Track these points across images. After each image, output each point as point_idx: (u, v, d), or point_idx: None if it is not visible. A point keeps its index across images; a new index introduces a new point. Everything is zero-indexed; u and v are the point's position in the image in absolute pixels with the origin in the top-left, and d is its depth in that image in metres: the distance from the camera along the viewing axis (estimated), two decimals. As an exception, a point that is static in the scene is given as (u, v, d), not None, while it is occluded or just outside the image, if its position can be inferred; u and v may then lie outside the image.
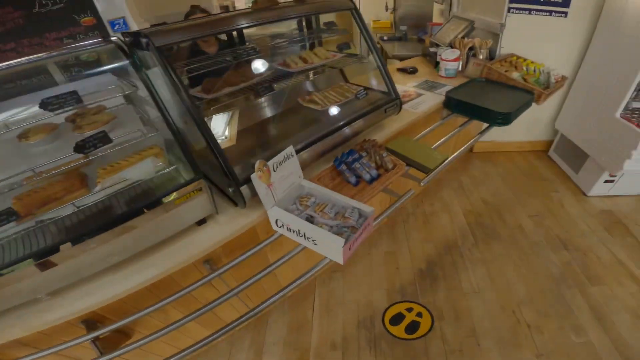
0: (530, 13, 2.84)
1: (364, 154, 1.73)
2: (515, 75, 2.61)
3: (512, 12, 2.85)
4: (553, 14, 2.83)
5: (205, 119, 1.37)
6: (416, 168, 1.78)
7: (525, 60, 2.90)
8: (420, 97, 2.57)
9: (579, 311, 2.17)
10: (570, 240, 2.67)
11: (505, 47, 3.03)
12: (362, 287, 2.42)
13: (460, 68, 3.06)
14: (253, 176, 1.20)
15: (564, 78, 2.73)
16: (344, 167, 1.65)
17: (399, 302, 2.30)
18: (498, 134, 3.65)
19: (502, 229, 2.83)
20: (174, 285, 1.38)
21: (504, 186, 3.31)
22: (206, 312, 1.15)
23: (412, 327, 2.15)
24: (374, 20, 8.23)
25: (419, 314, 2.22)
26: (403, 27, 4.90)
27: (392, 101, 2.02)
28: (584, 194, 3.09)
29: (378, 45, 3.78)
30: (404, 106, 2.39)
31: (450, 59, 2.90)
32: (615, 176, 2.85)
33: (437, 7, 4.61)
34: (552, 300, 2.25)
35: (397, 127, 2.17)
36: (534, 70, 2.74)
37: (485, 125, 2.22)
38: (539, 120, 3.53)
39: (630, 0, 2.45)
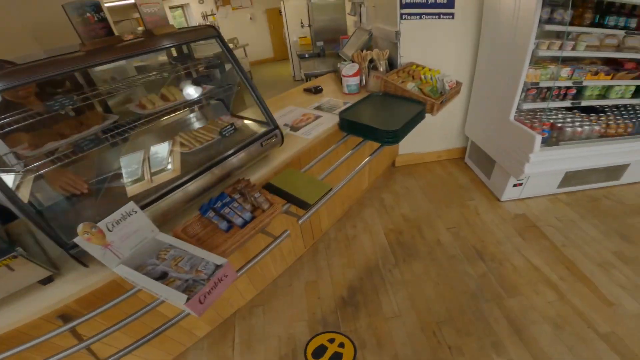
0: (421, 18, 2.81)
1: (236, 196, 1.54)
2: (410, 86, 2.53)
3: (405, 19, 2.81)
4: (441, 16, 2.82)
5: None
6: (296, 204, 1.59)
7: (423, 68, 2.86)
8: (317, 119, 2.41)
9: (498, 326, 2.07)
10: (486, 249, 2.61)
11: (405, 55, 2.98)
12: (283, 320, 2.28)
13: (364, 82, 2.97)
14: (79, 239, 1.14)
15: (458, 84, 2.71)
16: (211, 213, 1.47)
17: (321, 334, 2.16)
18: (416, 146, 3.63)
19: (421, 245, 2.73)
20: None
21: (424, 199, 3.25)
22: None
23: (335, 359, 2.01)
24: (300, 38, 8.21)
25: (341, 344, 2.08)
26: (320, 43, 4.83)
27: (270, 132, 1.82)
28: (498, 200, 3.10)
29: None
30: (298, 132, 2.22)
31: (350, 74, 2.80)
32: (522, 179, 2.86)
33: (350, 20, 4.59)
34: (472, 316, 2.15)
35: (285, 158, 1.97)
36: (431, 78, 2.70)
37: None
38: (452, 128, 3.55)
39: (503, 2, 2.48)
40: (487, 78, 2.93)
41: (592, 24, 2.37)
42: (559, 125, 2.62)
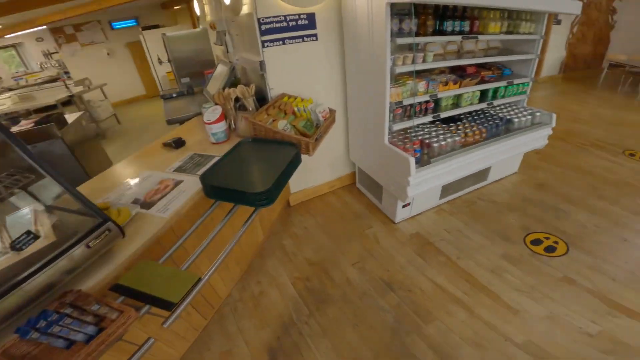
0: (284, 43, 2.63)
1: (68, 310, 1.13)
2: (281, 124, 2.29)
3: (268, 46, 2.59)
4: (305, 39, 2.68)
5: None
6: (157, 306, 1.21)
7: (295, 99, 2.67)
8: (178, 186, 1.98)
9: (426, 358, 1.97)
10: (393, 279, 2.52)
11: (275, 87, 2.76)
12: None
13: (234, 126, 2.64)
14: None
15: (332, 112, 2.59)
16: (35, 334, 1.08)
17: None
18: (307, 181, 3.45)
19: (331, 288, 2.52)
20: None
21: (325, 237, 3.06)
22: None
23: None
24: (168, 72, 7.51)
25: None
26: (185, 80, 4.34)
27: (98, 228, 1.36)
28: (393, 222, 3.08)
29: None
30: (152, 210, 1.76)
31: (212, 120, 2.43)
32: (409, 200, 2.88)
33: (218, 50, 4.20)
34: (398, 353, 2.01)
35: (136, 248, 1.51)
36: (304, 110, 2.52)
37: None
38: (338, 156, 3.46)
39: (358, 17, 2.42)
40: (358, 101, 2.90)
41: (435, 32, 2.48)
42: (427, 141, 2.69)
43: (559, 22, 6.91)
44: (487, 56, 2.81)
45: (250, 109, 2.63)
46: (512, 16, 2.84)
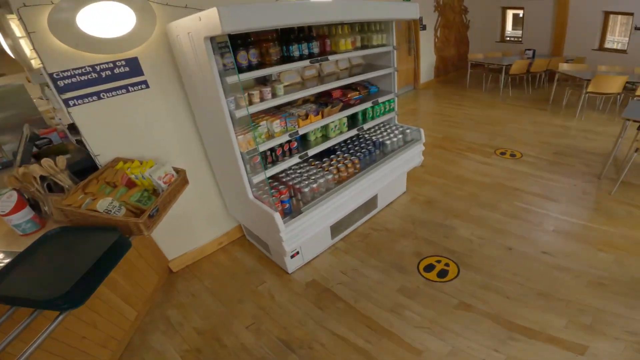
0: (100, 97, 2.10)
1: None
2: (102, 204, 1.76)
3: (75, 104, 2.04)
4: (131, 88, 2.19)
5: None
6: None
7: (132, 162, 2.16)
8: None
9: None
10: (292, 337, 2.21)
11: (103, 152, 2.20)
12: None
13: (49, 210, 2.01)
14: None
15: (181, 172, 2.14)
16: None
17: None
18: (188, 243, 2.93)
19: (226, 357, 2.14)
20: None
21: (215, 302, 2.61)
22: None
23: None
24: None
25: None
26: (11, 146, 3.43)
27: None
28: (287, 272, 2.74)
29: None
30: None
31: (6, 212, 1.79)
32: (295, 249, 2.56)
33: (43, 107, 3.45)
34: None
35: None
36: (143, 177, 2.03)
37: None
38: (218, 211, 3.01)
39: (187, 57, 2.05)
40: (215, 153, 2.51)
41: (283, 59, 2.23)
42: (297, 186, 2.41)
43: (424, 28, 7.39)
44: (350, 76, 2.65)
45: (67, 186, 2.05)
46: (363, 29, 2.74)
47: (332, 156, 2.75)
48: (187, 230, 2.87)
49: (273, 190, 2.35)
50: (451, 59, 8.67)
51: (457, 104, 6.53)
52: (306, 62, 2.22)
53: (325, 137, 2.64)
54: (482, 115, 5.73)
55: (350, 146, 2.94)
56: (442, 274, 2.53)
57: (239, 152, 2.08)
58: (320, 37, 2.46)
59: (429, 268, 2.60)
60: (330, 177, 2.51)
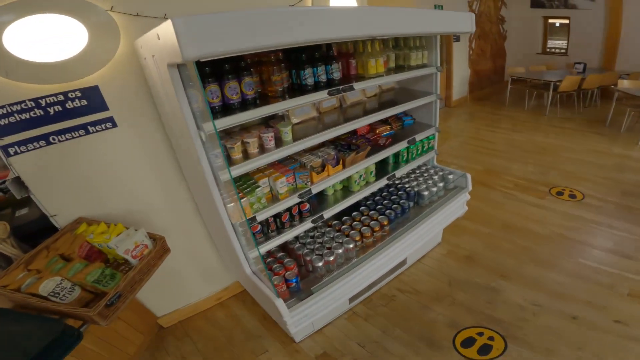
0: (49, 142, 1.58)
1: None
2: (46, 286, 1.30)
3: (18, 153, 1.54)
4: (92, 129, 1.66)
5: None
6: None
7: (98, 224, 1.65)
8: None
9: None
10: None
11: (62, 212, 1.71)
12: None
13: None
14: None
15: (158, 241, 1.61)
16: None
17: None
18: (178, 300, 2.44)
19: None
20: None
21: None
22: None
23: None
24: None
25: None
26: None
27: None
28: (294, 341, 2.21)
29: None
30: None
31: None
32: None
33: None
34: None
35: None
36: (107, 246, 1.53)
37: None
38: (214, 266, 2.49)
39: (159, 89, 1.51)
40: (205, 212, 1.99)
41: (293, 88, 1.70)
42: (308, 258, 1.82)
43: (457, 39, 6.72)
44: (381, 107, 2.03)
45: (13, 256, 1.55)
46: (398, 44, 2.15)
47: (354, 214, 2.15)
48: (179, 286, 2.39)
49: (277, 265, 1.78)
50: (487, 73, 7.90)
51: (496, 126, 5.75)
52: (323, 94, 1.63)
53: (347, 190, 2.05)
54: (528, 141, 4.95)
55: (377, 198, 2.32)
56: (485, 350, 1.98)
57: (229, 224, 1.51)
58: (343, 56, 1.90)
59: (469, 343, 2.03)
60: (351, 245, 1.89)
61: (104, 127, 1.68)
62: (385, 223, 2.06)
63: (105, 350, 1.88)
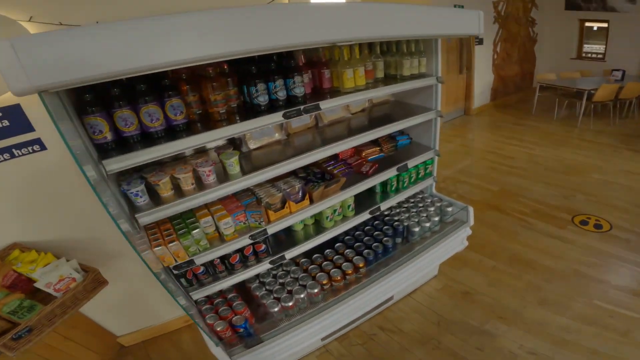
0: None
1: None
2: None
3: None
4: (16, 152, 1.49)
5: None
6: None
7: (30, 252, 1.51)
8: None
9: None
10: None
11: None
12: None
13: None
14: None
15: (89, 273, 1.45)
16: None
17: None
18: (144, 319, 2.31)
19: None
20: None
21: None
22: None
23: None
24: None
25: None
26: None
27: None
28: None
29: None
30: None
31: None
32: None
33: None
34: None
35: None
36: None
37: None
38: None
39: None
40: None
41: (245, 108, 1.43)
42: (263, 302, 1.56)
43: (480, 42, 6.21)
44: (370, 127, 1.73)
45: None
46: (388, 49, 1.84)
47: (327, 251, 1.86)
48: (143, 307, 2.26)
49: (225, 307, 1.53)
50: (513, 79, 7.33)
51: (519, 138, 5.23)
52: (277, 117, 1.35)
53: (319, 225, 1.75)
54: (553, 157, 4.44)
55: (358, 233, 2.01)
56: None
57: (161, 268, 1.27)
58: (313, 65, 1.61)
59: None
60: (316, 290, 1.61)
61: (31, 150, 1.51)
62: (361, 265, 1.76)
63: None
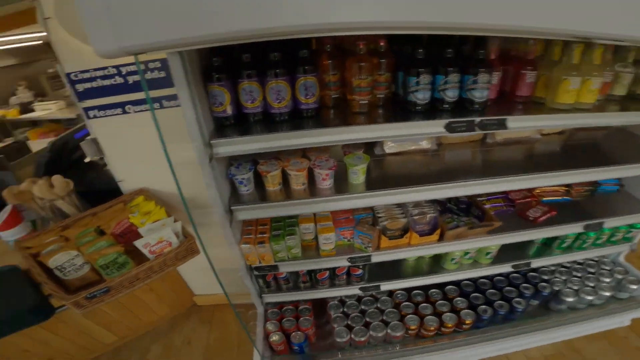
0: (125, 111, 1.51)
1: None
2: (56, 258, 1.32)
3: (97, 116, 1.51)
4: (166, 102, 1.51)
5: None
6: None
7: (149, 203, 1.58)
8: None
9: None
10: None
11: (128, 179, 1.71)
12: None
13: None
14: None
15: (187, 239, 1.46)
16: None
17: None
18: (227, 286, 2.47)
19: None
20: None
21: None
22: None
23: None
24: None
25: None
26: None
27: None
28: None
29: None
30: None
31: None
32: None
33: None
34: None
35: None
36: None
37: None
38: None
39: None
40: None
41: (396, 99, 1.06)
42: (335, 325, 1.38)
43: None
44: (547, 169, 1.14)
45: (71, 214, 1.63)
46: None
47: (432, 291, 1.48)
48: (224, 276, 2.35)
49: (290, 319, 1.40)
50: None
51: None
52: (437, 127, 0.94)
53: (436, 263, 1.37)
54: None
55: (481, 281, 1.53)
56: None
57: (244, 263, 1.16)
58: (506, 60, 1.08)
59: None
60: (398, 333, 1.32)
61: (173, 104, 1.47)
62: (468, 322, 1.35)
63: (119, 313, 1.97)
